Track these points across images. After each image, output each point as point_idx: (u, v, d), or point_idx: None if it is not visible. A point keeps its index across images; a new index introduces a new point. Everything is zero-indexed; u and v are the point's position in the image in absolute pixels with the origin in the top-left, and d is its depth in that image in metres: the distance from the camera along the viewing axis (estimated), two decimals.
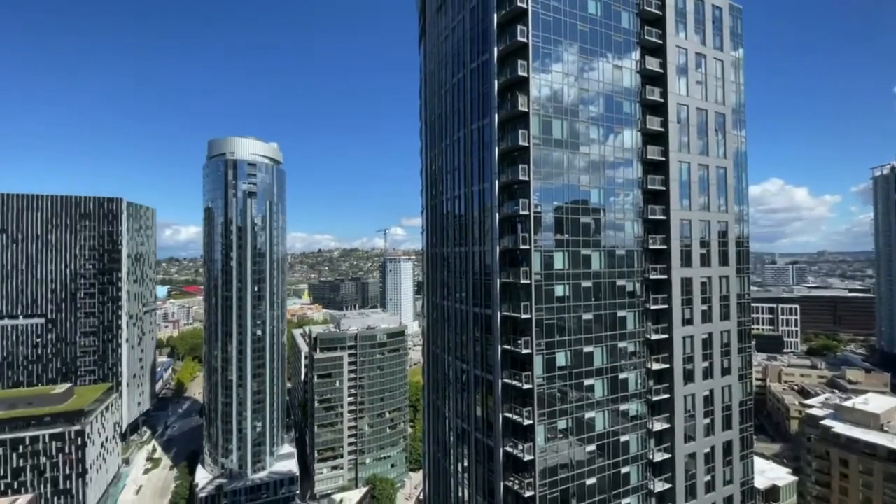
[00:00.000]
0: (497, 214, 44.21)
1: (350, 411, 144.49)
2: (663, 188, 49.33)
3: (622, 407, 46.78)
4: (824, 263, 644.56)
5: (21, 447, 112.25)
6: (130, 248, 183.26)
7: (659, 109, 49.82)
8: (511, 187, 44.43)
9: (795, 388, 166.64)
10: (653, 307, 48.65)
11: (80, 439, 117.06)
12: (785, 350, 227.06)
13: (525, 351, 41.84)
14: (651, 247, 48.72)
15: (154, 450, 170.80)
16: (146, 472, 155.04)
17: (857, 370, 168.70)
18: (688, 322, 50.35)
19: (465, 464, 50.85)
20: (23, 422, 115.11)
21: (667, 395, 48.71)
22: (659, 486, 48.17)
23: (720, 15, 54.74)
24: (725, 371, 53.94)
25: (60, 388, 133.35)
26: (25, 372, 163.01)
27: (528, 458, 41.44)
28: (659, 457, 48.37)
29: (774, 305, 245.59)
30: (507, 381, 43.23)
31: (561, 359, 43.47)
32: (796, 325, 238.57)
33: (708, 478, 51.73)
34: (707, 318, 52.24)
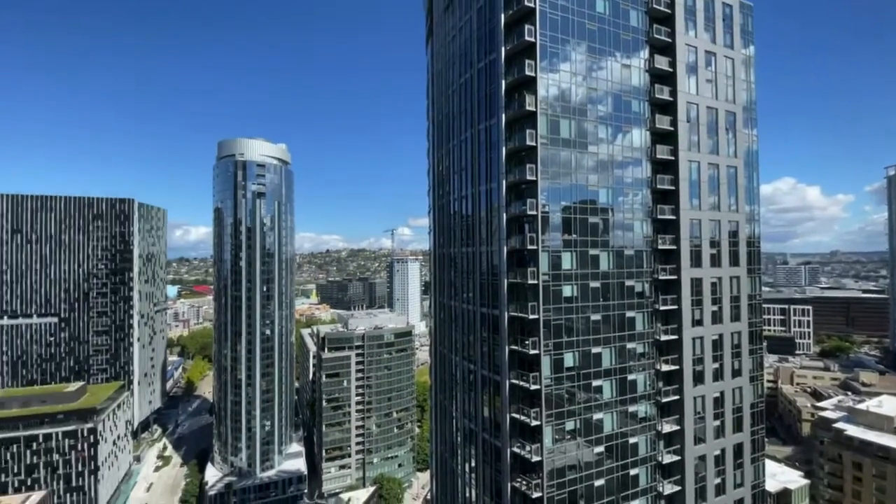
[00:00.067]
0: (504, 214, 44.11)
1: (358, 411, 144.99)
2: (673, 188, 48.87)
3: (631, 408, 46.42)
4: (837, 264, 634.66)
5: (35, 444, 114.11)
6: (142, 248, 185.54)
7: (668, 108, 49.36)
8: (518, 187, 44.28)
9: (808, 390, 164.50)
10: (662, 308, 48.22)
11: (92, 437, 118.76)
12: (797, 352, 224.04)
13: (532, 351, 41.67)
14: (660, 247, 48.28)
15: (165, 448, 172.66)
16: (157, 469, 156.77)
17: (870, 372, 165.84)
18: (698, 323, 49.82)
19: (473, 464, 50.78)
20: (37, 419, 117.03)
21: (676, 397, 48.24)
22: (668, 488, 47.74)
23: (730, 12, 54.12)
24: (736, 373, 53.29)
25: (73, 386, 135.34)
26: (39, 370, 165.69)
27: (535, 458, 41.28)
28: (668, 459, 47.90)
29: (786, 306, 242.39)
30: (514, 381, 43.12)
31: (569, 359, 43.24)
32: (809, 327, 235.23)
33: (718, 480, 51.16)
34: (717, 319, 51.65)
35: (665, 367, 48.11)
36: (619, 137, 47.21)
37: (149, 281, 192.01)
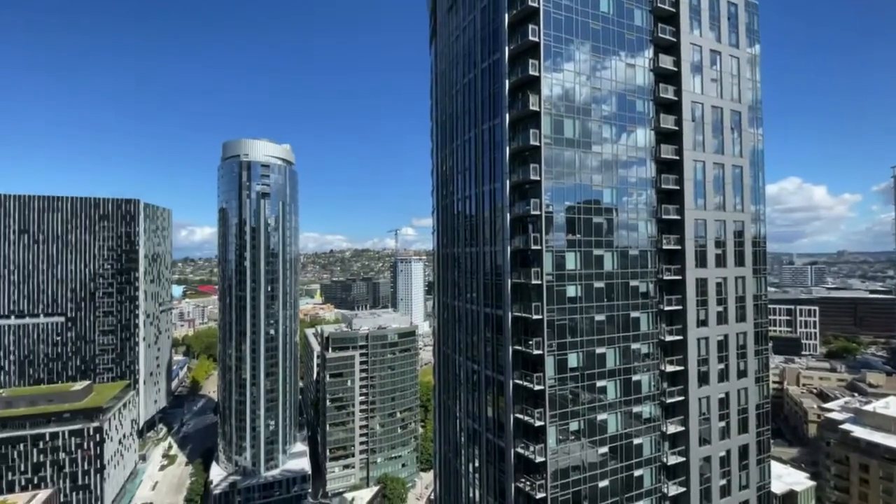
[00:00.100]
0: (508, 214, 44.07)
1: (361, 410, 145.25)
2: (677, 188, 48.66)
3: (635, 409, 46.25)
4: (844, 264, 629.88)
5: (41, 443, 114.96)
6: (147, 248, 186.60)
7: (673, 108, 49.18)
8: (522, 187, 44.23)
9: (814, 391, 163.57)
10: (667, 308, 48.02)
11: (98, 436, 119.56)
12: (803, 352, 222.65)
13: (536, 352, 41.61)
14: (665, 247, 48.10)
15: (170, 447, 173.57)
16: (162, 468, 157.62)
17: (877, 373, 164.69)
18: (703, 323, 49.60)
19: (476, 464, 50.75)
20: (43, 418, 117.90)
21: (681, 398, 48.04)
22: (673, 489, 47.54)
23: (735, 11, 53.84)
24: (741, 373, 53.01)
25: (80, 385, 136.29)
26: (46, 369, 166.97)
27: (539, 459, 41.21)
28: (673, 460, 47.70)
29: (792, 307, 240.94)
30: (518, 381, 43.06)
31: (573, 360, 43.15)
32: (815, 327, 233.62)
33: (723, 482, 50.90)
34: (722, 320, 51.39)
35: (670, 368, 47.92)
36: (623, 137, 47.06)
37: (154, 281, 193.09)
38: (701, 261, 49.76)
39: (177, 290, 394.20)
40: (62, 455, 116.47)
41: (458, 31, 55.34)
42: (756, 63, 56.19)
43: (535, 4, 42.36)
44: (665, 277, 48.00)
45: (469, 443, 52.75)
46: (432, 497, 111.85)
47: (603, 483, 43.99)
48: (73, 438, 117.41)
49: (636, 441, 46.13)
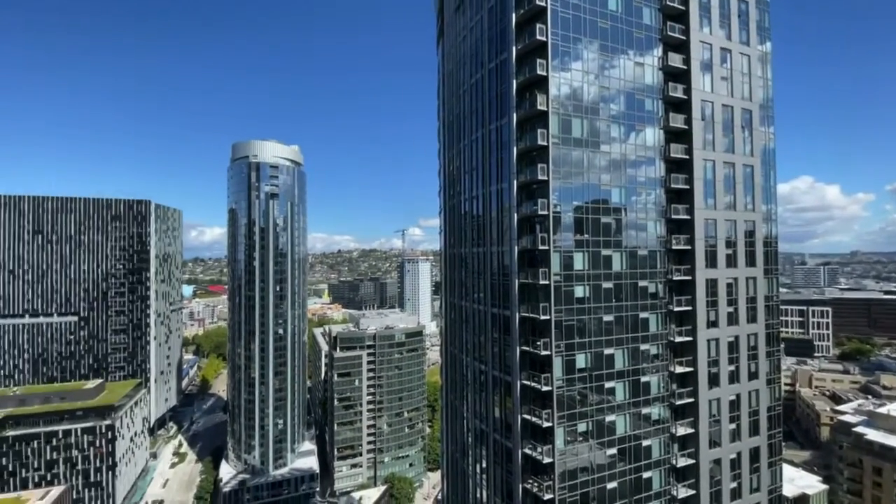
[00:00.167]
0: (515, 214, 43.96)
1: (369, 410, 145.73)
2: (687, 187, 48.21)
3: (644, 410, 45.90)
4: (857, 264, 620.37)
5: (54, 440, 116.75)
6: (158, 248, 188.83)
7: (682, 106, 48.73)
8: (530, 187, 44.08)
9: (826, 393, 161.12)
10: (676, 309, 47.59)
11: (110, 433, 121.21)
12: (816, 354, 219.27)
13: (544, 352, 41.43)
14: (674, 247, 47.67)
15: (180, 444, 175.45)
16: (173, 466, 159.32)
17: (892, 375, 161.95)
18: (713, 324, 49.08)
19: (484, 465, 50.69)
20: (56, 416, 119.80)
21: (691, 399, 47.58)
22: (682, 492, 47.09)
23: (746, 8, 53.22)
24: (752, 375, 52.38)
25: (92, 383, 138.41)
26: (59, 368, 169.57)
27: (547, 460, 41.04)
28: (682, 462, 47.25)
29: (805, 308, 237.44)
30: (525, 382, 42.94)
31: (581, 360, 42.91)
32: (828, 329, 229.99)
33: (734, 485, 50.32)
34: (733, 321, 50.81)
35: (679, 369, 47.49)
36: (632, 136, 46.72)
37: (165, 281, 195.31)
38: (711, 261, 49.24)
39: (187, 290, 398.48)
40: (75, 452, 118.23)
41: (465, 31, 55.32)
42: (767, 61, 55.45)
43: (543, 4, 42.20)
44: (674, 278, 47.57)
45: (476, 443, 52.70)
46: (440, 497, 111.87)
47: (611, 485, 43.71)
48: (85, 436, 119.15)
49: (645, 443, 45.77)
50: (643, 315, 46.28)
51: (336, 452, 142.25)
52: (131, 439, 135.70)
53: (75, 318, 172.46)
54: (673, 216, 47.96)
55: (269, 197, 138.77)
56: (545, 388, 41.35)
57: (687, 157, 48.29)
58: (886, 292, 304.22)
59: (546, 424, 41.23)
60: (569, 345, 42.21)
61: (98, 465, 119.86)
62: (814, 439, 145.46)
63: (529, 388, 42.71)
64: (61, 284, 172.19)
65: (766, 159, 55.08)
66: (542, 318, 41.48)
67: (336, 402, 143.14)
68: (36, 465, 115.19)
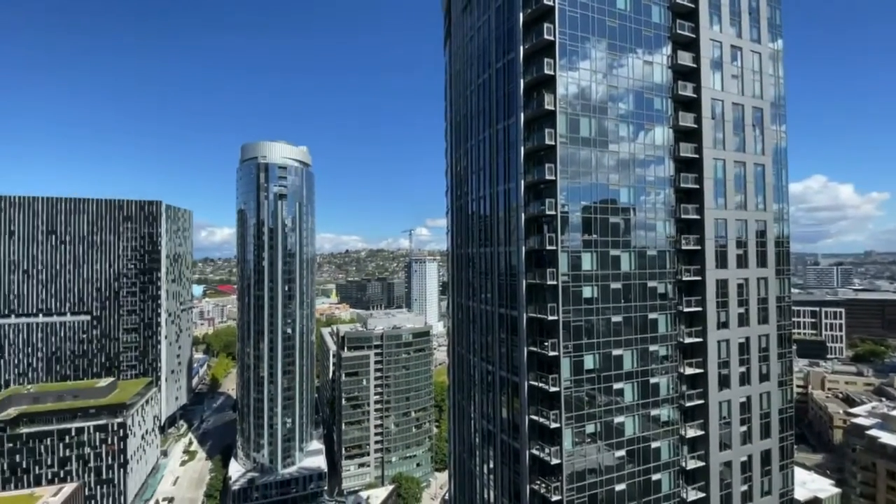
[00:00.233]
0: (523, 214, 43.80)
1: (376, 410, 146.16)
2: (697, 186, 47.70)
3: (653, 412, 45.52)
4: (871, 264, 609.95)
5: (67, 438, 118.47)
6: (169, 248, 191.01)
7: (692, 105, 48.24)
8: (537, 187, 43.91)
9: (840, 395, 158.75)
10: (686, 310, 47.12)
11: (122, 431, 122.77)
12: (829, 356, 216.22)
13: (552, 353, 41.24)
14: (684, 247, 47.19)
15: (190, 443, 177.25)
16: (183, 463, 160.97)
17: None
18: (723, 325, 48.52)
19: (491, 465, 50.59)
20: (69, 413, 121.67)
21: (701, 401, 47.07)
22: (692, 494, 46.60)
23: (757, 5, 52.55)
24: (764, 377, 51.72)
25: (104, 381, 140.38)
26: (72, 366, 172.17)
27: (555, 461, 40.84)
28: (692, 464, 46.81)
29: (817, 309, 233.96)
30: (533, 383, 42.78)
31: (589, 361, 42.66)
32: (841, 330, 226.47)
33: (745, 488, 49.72)
34: (744, 322, 50.20)
35: (689, 371, 47.04)
36: (640, 135, 46.35)
37: (176, 280, 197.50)
38: (721, 261, 48.69)
39: (197, 290, 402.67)
40: (87, 450, 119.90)
41: (472, 31, 55.26)
42: (779, 58, 54.72)
43: (551, 3, 42.01)
44: (684, 278, 47.11)
45: (484, 444, 52.60)
46: (447, 497, 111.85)
47: (620, 487, 43.40)
48: (97, 433, 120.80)
49: (654, 445, 45.40)
50: (652, 316, 45.90)
51: (344, 452, 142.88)
52: (142, 437, 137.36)
53: (88, 318, 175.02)
54: (682, 216, 47.48)
55: (277, 197, 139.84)
56: (553, 389, 41.16)
57: (697, 156, 47.78)
58: None
59: (554, 425, 41.03)
60: (577, 345, 42.00)
61: (110, 462, 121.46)
62: (826, 442, 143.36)
63: (537, 389, 42.53)
64: (74, 284, 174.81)
65: (777, 158, 54.35)
66: (550, 318, 41.28)
67: (344, 402, 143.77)
68: (49, 462, 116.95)
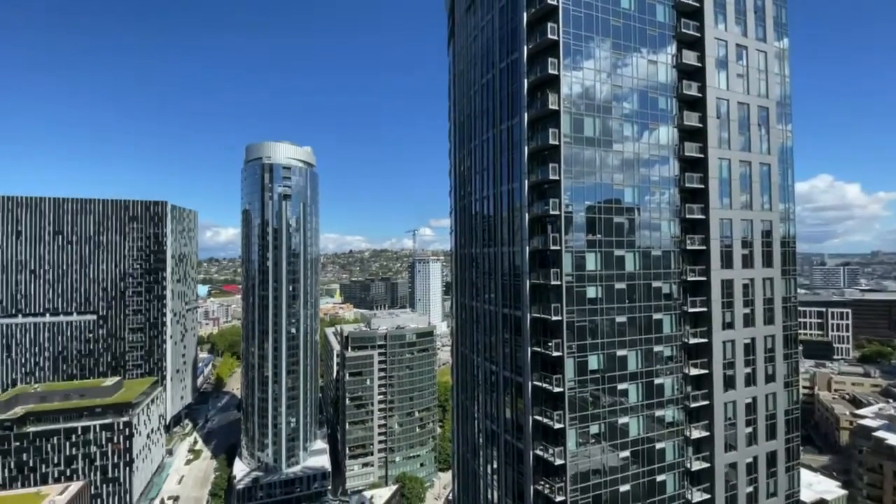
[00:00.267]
0: (527, 214, 43.73)
1: (380, 409, 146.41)
2: (702, 186, 47.47)
3: (658, 413, 45.33)
4: (879, 265, 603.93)
5: (74, 436, 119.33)
6: (174, 248, 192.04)
7: (697, 104, 48.01)
8: (541, 187, 43.83)
9: (846, 396, 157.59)
10: (691, 310, 46.90)
11: (127, 430, 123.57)
12: (835, 357, 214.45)
13: (556, 353, 41.15)
14: (689, 247, 46.97)
15: (195, 442, 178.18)
16: (188, 462, 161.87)
17: None
18: (728, 326, 48.25)
19: (495, 466, 50.54)
20: (76, 412, 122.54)
21: (706, 402, 46.84)
22: (697, 496, 46.38)
23: (763, 4, 52.22)
24: (769, 378, 51.39)
25: (110, 381, 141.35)
26: (79, 365, 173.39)
27: (558, 462, 40.77)
28: (697, 466, 46.57)
29: (824, 309, 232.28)
30: (537, 383, 42.70)
31: (593, 362, 42.54)
32: (848, 331, 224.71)
33: (750, 489, 49.43)
34: (749, 322, 49.91)
35: (694, 371, 46.83)
36: (645, 135, 46.18)
37: (181, 280, 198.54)
38: (727, 261, 48.43)
39: (202, 290, 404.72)
40: (93, 448, 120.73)
41: (476, 31, 55.24)
42: (785, 57, 54.38)
43: (555, 2, 41.93)
44: (689, 278, 46.90)
45: (487, 444, 52.57)
46: (450, 497, 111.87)
47: (624, 487, 43.25)
48: (103, 432, 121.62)
49: (658, 445, 45.20)
50: (657, 316, 45.71)
51: (348, 451, 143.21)
52: (148, 436, 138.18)
53: (94, 317, 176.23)
54: (687, 216, 47.27)
55: (281, 198, 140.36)
56: (557, 390, 41.08)
57: (702, 155, 47.56)
58: None
59: (557, 426, 40.96)
60: (581, 346, 41.88)
61: (116, 461, 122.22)
62: (833, 443, 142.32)
63: (541, 390, 42.46)
64: (81, 284, 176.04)
65: (783, 157, 54.01)
66: (554, 318, 41.20)
67: (348, 402, 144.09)
68: (56, 461, 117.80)
